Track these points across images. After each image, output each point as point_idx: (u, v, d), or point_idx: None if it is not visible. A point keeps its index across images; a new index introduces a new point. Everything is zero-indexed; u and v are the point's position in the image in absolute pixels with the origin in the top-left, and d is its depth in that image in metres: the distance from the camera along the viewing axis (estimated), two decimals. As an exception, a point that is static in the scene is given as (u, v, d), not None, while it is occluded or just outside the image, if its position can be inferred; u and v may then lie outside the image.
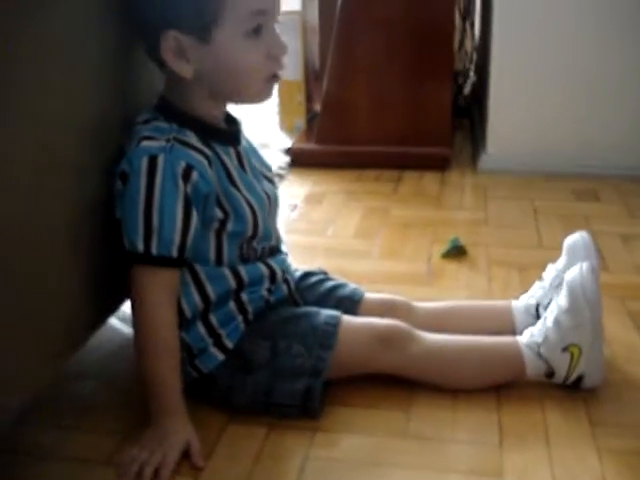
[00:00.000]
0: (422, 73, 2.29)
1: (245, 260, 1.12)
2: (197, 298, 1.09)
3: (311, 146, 2.39)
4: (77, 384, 1.20)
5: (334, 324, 1.12)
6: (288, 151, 2.38)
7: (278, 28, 1.06)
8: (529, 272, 1.55)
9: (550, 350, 1.11)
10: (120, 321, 1.36)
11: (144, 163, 0.99)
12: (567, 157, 2.22)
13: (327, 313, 1.15)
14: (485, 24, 2.62)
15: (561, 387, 1.14)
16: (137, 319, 1.04)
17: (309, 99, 2.75)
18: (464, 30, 3.02)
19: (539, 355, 1.12)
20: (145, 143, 1.01)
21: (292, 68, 2.64)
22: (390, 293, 1.36)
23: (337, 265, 1.60)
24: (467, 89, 3.09)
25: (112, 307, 1.18)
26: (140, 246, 1.00)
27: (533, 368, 1.13)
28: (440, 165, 2.26)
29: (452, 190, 2.10)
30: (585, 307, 1.11)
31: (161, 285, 1.02)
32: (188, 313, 1.10)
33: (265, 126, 2.82)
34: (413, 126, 2.29)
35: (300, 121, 2.70)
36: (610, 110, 2.19)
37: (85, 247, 1.03)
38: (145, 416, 1.04)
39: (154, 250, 1.00)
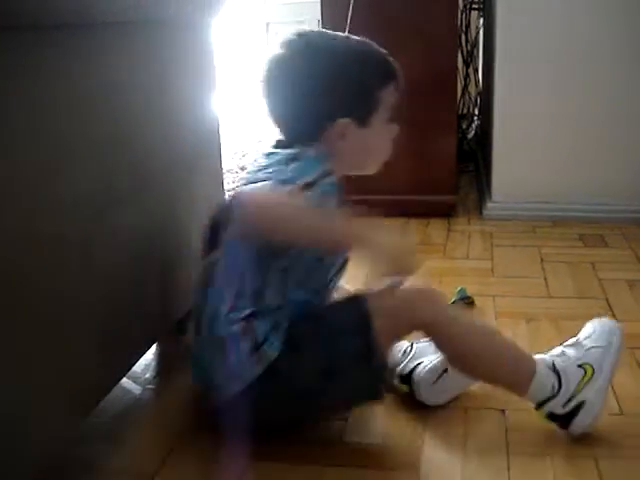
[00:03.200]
0: (426, 122, 2.31)
1: None
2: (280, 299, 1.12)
3: (317, 196, 2.40)
4: (86, 448, 1.20)
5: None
6: (295, 201, 2.39)
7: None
8: (537, 322, 1.55)
9: (566, 363, 1.14)
10: (130, 380, 1.37)
11: None
12: (573, 202, 2.23)
13: None
14: (488, 70, 2.65)
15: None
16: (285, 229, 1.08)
17: (315, 147, 2.77)
18: (467, 75, 3.05)
19: (553, 367, 1.14)
20: None
21: (297, 117, 2.67)
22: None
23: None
24: (471, 133, 3.11)
25: (124, 369, 1.19)
26: None
27: (542, 378, 1.13)
28: (446, 212, 2.28)
29: (458, 238, 2.11)
30: (607, 336, 1.17)
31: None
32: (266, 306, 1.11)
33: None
34: (418, 174, 2.31)
35: (306, 169, 2.72)
36: (615, 155, 2.20)
37: (95, 311, 1.04)
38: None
39: None
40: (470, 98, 3.14)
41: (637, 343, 1.45)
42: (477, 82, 3.13)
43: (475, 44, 3.08)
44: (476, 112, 3.20)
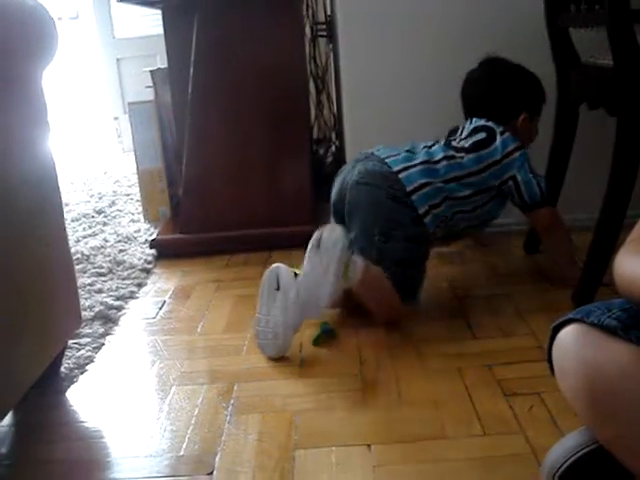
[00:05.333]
0: (280, 153, 2.31)
1: None
2: None
3: (176, 236, 2.36)
4: None
5: None
6: (153, 243, 2.33)
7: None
8: (399, 349, 1.57)
9: None
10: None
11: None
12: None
13: None
14: (338, 93, 2.68)
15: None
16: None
17: (173, 184, 2.72)
18: (319, 102, 3.08)
19: None
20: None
21: (151, 156, 2.62)
22: (263, 390, 1.40)
23: (209, 364, 1.58)
24: (330, 158, 3.13)
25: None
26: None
27: None
28: (306, 242, 2.26)
29: (321, 267, 2.10)
30: None
31: None
32: None
33: (129, 218, 2.77)
34: (275, 206, 2.30)
35: (165, 208, 2.66)
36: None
37: None
38: None
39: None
40: (326, 123, 3.17)
41: (494, 360, 1.48)
42: (331, 107, 3.16)
43: (326, 70, 3.12)
44: (333, 137, 3.23)
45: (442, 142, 1.82)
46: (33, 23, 1.35)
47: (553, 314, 0.98)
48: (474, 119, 1.86)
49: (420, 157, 1.74)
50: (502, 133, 1.79)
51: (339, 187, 1.79)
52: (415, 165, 1.72)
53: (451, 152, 1.75)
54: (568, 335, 0.93)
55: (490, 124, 1.82)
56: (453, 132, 1.90)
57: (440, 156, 1.74)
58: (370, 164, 1.74)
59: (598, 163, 1.66)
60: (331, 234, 1.59)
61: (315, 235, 1.61)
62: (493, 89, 1.89)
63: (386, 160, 1.73)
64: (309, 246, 1.61)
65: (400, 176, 1.69)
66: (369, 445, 1.22)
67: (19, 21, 1.30)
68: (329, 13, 2.95)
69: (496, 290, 1.85)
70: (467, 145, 1.78)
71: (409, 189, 1.68)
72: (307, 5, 2.94)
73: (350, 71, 2.26)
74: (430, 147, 1.78)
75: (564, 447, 0.98)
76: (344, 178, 1.78)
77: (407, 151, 1.76)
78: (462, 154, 1.75)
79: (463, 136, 1.83)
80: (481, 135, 1.79)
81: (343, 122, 2.33)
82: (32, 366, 1.37)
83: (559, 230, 1.83)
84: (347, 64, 2.27)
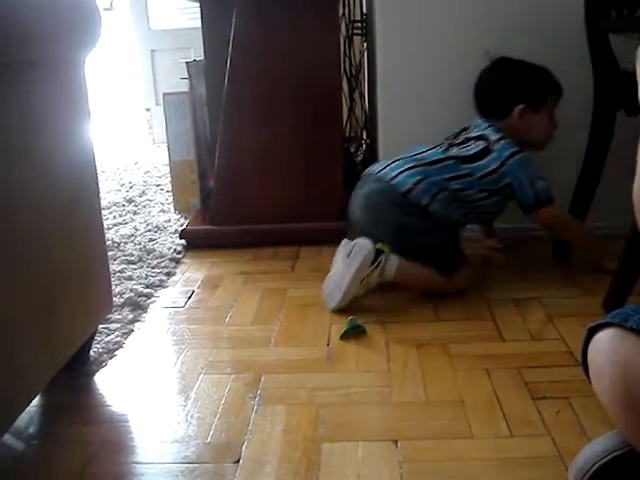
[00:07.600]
0: (312, 149, 2.31)
1: None
2: None
3: (206, 227, 2.37)
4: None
5: None
6: (183, 233, 2.35)
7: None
8: (427, 347, 1.57)
9: None
10: (11, 436, 1.30)
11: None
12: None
13: None
14: (372, 92, 2.68)
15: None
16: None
17: (204, 176, 2.73)
18: (352, 99, 3.08)
19: None
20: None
21: (183, 147, 2.64)
22: (290, 382, 1.40)
23: (237, 355, 1.59)
24: (360, 156, 3.13)
25: (5, 425, 1.13)
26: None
27: None
28: (336, 238, 2.26)
29: (349, 264, 2.11)
30: None
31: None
32: None
33: (159, 208, 2.78)
34: (306, 201, 2.31)
35: (195, 200, 2.68)
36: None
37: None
38: None
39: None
40: (357, 121, 3.17)
41: (523, 363, 1.48)
42: (363, 105, 3.16)
43: (360, 69, 3.12)
44: (364, 136, 3.22)
45: (443, 147, 1.92)
46: (79, 8, 1.36)
47: (583, 320, 0.98)
48: (480, 122, 1.96)
49: (411, 162, 1.88)
50: (499, 140, 1.89)
51: (352, 208, 1.95)
52: (405, 170, 1.86)
53: (446, 157, 1.89)
54: (605, 338, 0.93)
55: (488, 131, 1.92)
56: (462, 131, 1.98)
57: (435, 158, 1.89)
58: (367, 187, 1.91)
59: (633, 170, 1.65)
60: (361, 249, 1.75)
61: (351, 244, 1.78)
62: (488, 85, 2.00)
63: (378, 174, 1.89)
64: (346, 251, 1.78)
65: (392, 183, 1.85)
66: (396, 441, 1.22)
67: (66, 6, 1.31)
68: (365, 11, 2.95)
69: (526, 294, 1.84)
70: (465, 155, 1.89)
71: (402, 191, 1.83)
72: (343, 3, 2.95)
73: (386, 69, 2.26)
74: (425, 152, 1.91)
75: (593, 450, 0.97)
76: (354, 202, 1.94)
77: (401, 159, 1.91)
78: (459, 163, 1.88)
79: (463, 139, 1.93)
80: (479, 145, 1.90)
81: (376, 121, 2.33)
82: (65, 347, 1.38)
83: (563, 226, 1.94)
84: (383, 62, 2.26)
